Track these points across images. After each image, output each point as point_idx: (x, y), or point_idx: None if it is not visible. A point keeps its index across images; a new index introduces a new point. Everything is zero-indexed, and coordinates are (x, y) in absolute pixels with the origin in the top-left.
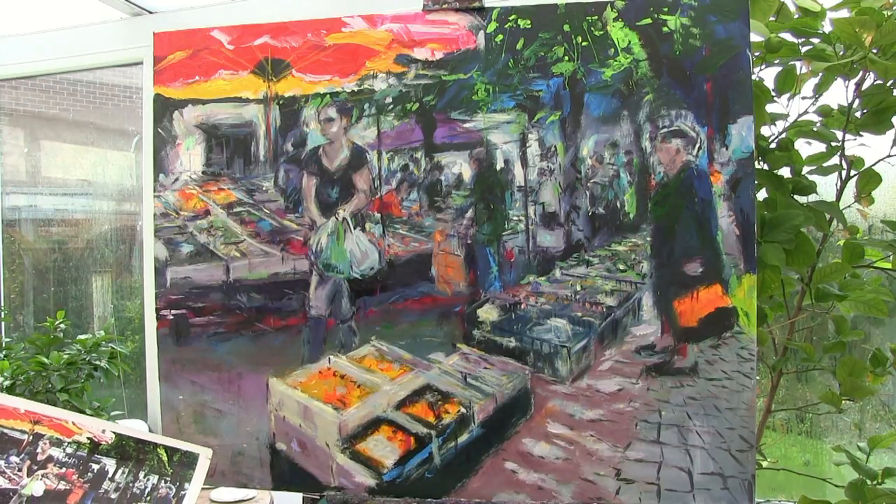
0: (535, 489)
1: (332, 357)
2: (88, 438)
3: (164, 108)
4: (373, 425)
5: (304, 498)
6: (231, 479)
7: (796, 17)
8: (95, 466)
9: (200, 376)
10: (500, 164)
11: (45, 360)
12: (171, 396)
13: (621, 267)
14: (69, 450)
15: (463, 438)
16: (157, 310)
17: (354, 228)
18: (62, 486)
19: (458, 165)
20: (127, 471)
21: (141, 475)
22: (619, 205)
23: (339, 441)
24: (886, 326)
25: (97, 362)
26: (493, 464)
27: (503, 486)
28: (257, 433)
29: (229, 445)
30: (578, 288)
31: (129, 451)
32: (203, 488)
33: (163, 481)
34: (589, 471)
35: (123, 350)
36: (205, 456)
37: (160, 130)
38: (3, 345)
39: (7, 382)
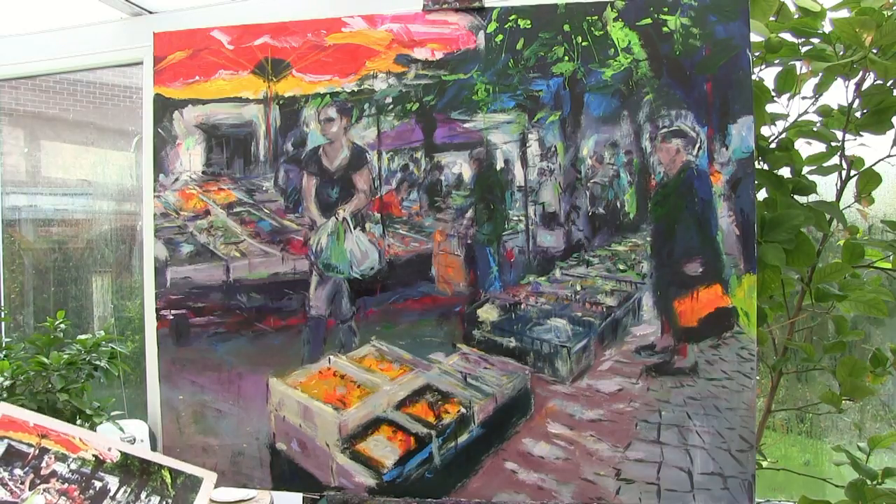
0: (535, 489)
1: (332, 357)
2: (94, 455)
3: (164, 108)
4: (373, 425)
5: (304, 498)
6: (231, 479)
7: (796, 17)
8: (98, 484)
9: (200, 376)
10: (500, 164)
11: (45, 360)
12: (171, 396)
13: (621, 267)
14: (73, 465)
15: (463, 438)
16: (157, 310)
17: (354, 228)
18: (62, 501)
19: (458, 165)
20: (129, 490)
21: (143, 495)
22: (619, 205)
23: (339, 441)
24: (886, 326)
25: (97, 362)
26: (493, 464)
27: (503, 486)
28: (257, 433)
29: (229, 445)
30: (578, 288)
31: (134, 471)
32: None
33: (164, 503)
34: (589, 471)
35: (123, 350)
36: (209, 480)
37: (160, 130)
38: (3, 345)
39: (7, 382)
